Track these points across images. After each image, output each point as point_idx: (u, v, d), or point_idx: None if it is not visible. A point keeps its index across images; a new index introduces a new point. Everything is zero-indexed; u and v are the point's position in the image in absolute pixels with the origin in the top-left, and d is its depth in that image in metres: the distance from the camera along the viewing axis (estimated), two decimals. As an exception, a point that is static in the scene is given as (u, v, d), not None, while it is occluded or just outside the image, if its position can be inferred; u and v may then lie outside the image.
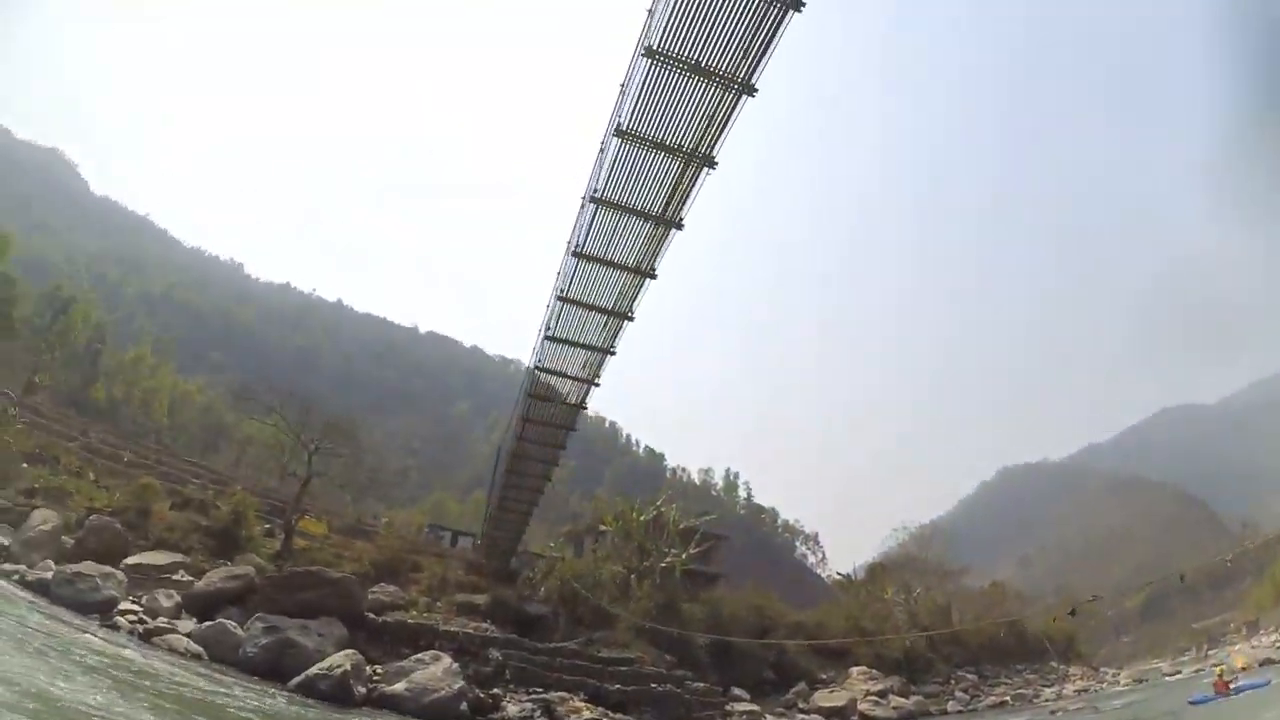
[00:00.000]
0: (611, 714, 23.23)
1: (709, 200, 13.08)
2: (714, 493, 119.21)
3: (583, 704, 22.97)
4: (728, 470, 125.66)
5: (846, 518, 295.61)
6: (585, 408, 20.90)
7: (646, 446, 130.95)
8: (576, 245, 14.38)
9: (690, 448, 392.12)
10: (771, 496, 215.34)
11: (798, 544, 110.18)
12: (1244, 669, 22.63)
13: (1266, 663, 24.18)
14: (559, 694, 23.12)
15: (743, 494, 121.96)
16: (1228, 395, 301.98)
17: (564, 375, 18.74)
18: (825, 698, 31.66)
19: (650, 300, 15.35)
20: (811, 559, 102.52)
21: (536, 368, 18.93)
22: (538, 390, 20.49)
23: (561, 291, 15.65)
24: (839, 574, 77.40)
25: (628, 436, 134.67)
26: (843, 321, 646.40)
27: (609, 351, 17.17)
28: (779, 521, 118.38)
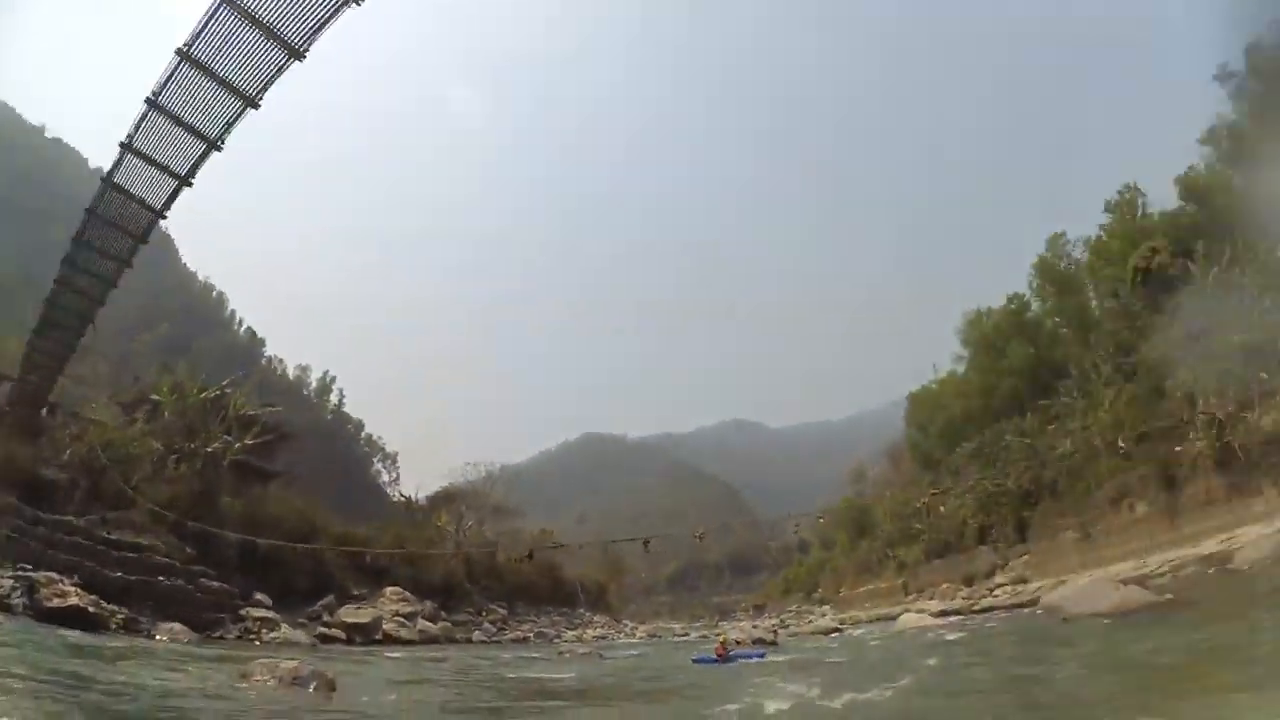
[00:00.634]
0: (105, 604, 20.36)
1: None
2: (306, 392, 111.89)
3: (73, 588, 19.76)
4: (325, 373, 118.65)
5: (434, 449, 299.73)
6: (164, 216, 18.07)
7: (248, 327, 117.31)
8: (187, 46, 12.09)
9: (305, 346, 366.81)
10: (367, 412, 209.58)
11: (376, 460, 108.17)
12: (739, 643, 26.51)
13: (759, 641, 29.58)
14: (48, 574, 19.78)
15: (334, 399, 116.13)
16: (789, 425, 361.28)
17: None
18: (351, 613, 31.25)
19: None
20: (386, 477, 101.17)
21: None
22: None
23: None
24: (402, 495, 77.88)
25: (233, 312, 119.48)
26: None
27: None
28: (363, 434, 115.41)
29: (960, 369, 63.87)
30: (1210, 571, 21.41)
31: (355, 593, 35.51)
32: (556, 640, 46.71)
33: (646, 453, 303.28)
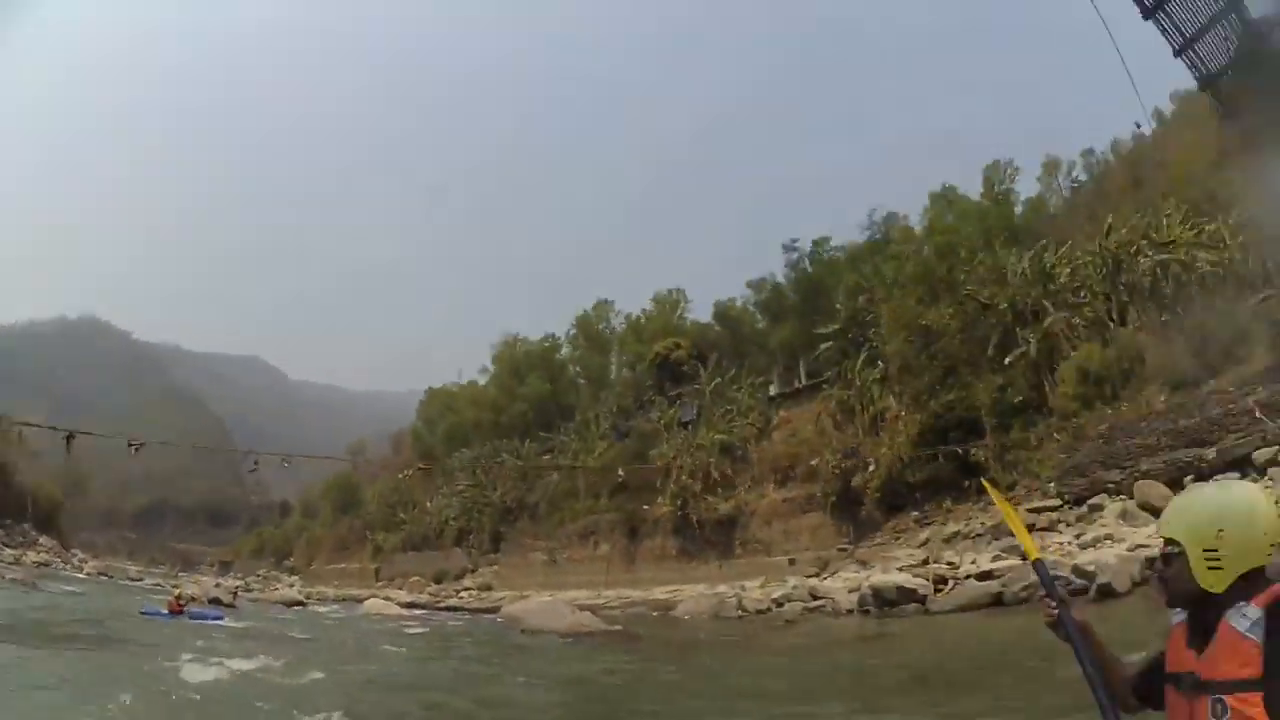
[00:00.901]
0: None
1: None
2: None
3: None
4: None
5: None
6: None
7: None
8: None
9: None
10: None
11: None
12: (195, 599, 23.90)
13: (216, 601, 26.94)
14: None
15: None
16: (309, 380, 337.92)
17: None
18: None
19: None
20: None
21: None
22: None
23: None
24: None
25: None
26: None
27: None
28: None
29: (482, 381, 67.50)
30: (654, 614, 25.77)
31: None
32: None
33: (149, 360, 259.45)
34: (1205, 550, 1.69)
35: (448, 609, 36.98)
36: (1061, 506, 20.35)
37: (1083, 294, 26.59)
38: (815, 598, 22.14)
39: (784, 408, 38.20)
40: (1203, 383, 18.94)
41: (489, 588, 41.95)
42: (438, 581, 47.45)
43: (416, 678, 12.46)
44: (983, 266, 29.17)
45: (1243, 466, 16.41)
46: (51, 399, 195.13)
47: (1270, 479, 14.95)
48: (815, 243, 46.36)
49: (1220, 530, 1.67)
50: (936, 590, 17.96)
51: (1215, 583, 1.68)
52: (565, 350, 62.71)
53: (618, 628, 19.32)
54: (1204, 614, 1.71)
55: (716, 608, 23.68)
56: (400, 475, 44.98)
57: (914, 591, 18.30)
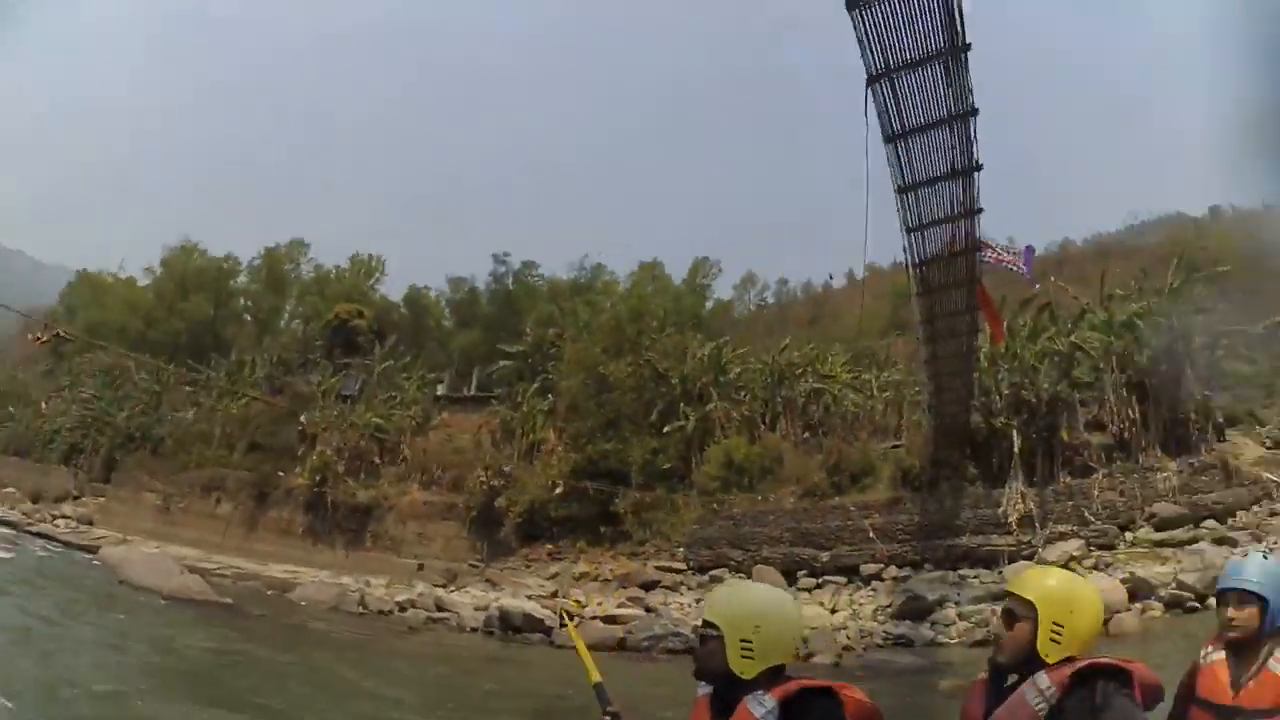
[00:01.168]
0: None
1: None
2: None
3: None
4: None
5: None
6: None
7: None
8: None
9: None
10: None
11: None
12: None
13: None
14: None
15: None
16: None
17: None
18: None
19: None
20: None
21: None
22: None
23: None
24: None
25: None
26: None
27: None
28: None
29: (144, 282, 56.20)
30: (270, 592, 22.89)
31: None
32: None
33: None
34: (742, 640, 1.91)
35: (39, 534, 30.57)
36: (686, 571, 22.57)
37: (744, 394, 30.10)
38: (441, 609, 21.55)
39: (448, 410, 37.46)
40: (829, 497, 22.55)
41: (90, 522, 34.56)
42: (34, 500, 37.99)
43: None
44: (669, 340, 31.89)
45: (850, 574, 20.09)
46: None
47: (873, 589, 18.48)
48: (524, 264, 47.18)
49: (758, 626, 1.90)
50: (561, 624, 18.62)
51: (745, 670, 1.91)
52: (242, 279, 55.22)
53: (228, 600, 16.88)
54: (728, 693, 1.94)
55: (338, 599, 21.86)
56: (35, 337, 33.93)
57: (541, 621, 18.74)
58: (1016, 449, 21.47)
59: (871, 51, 10.38)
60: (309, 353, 42.87)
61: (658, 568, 22.89)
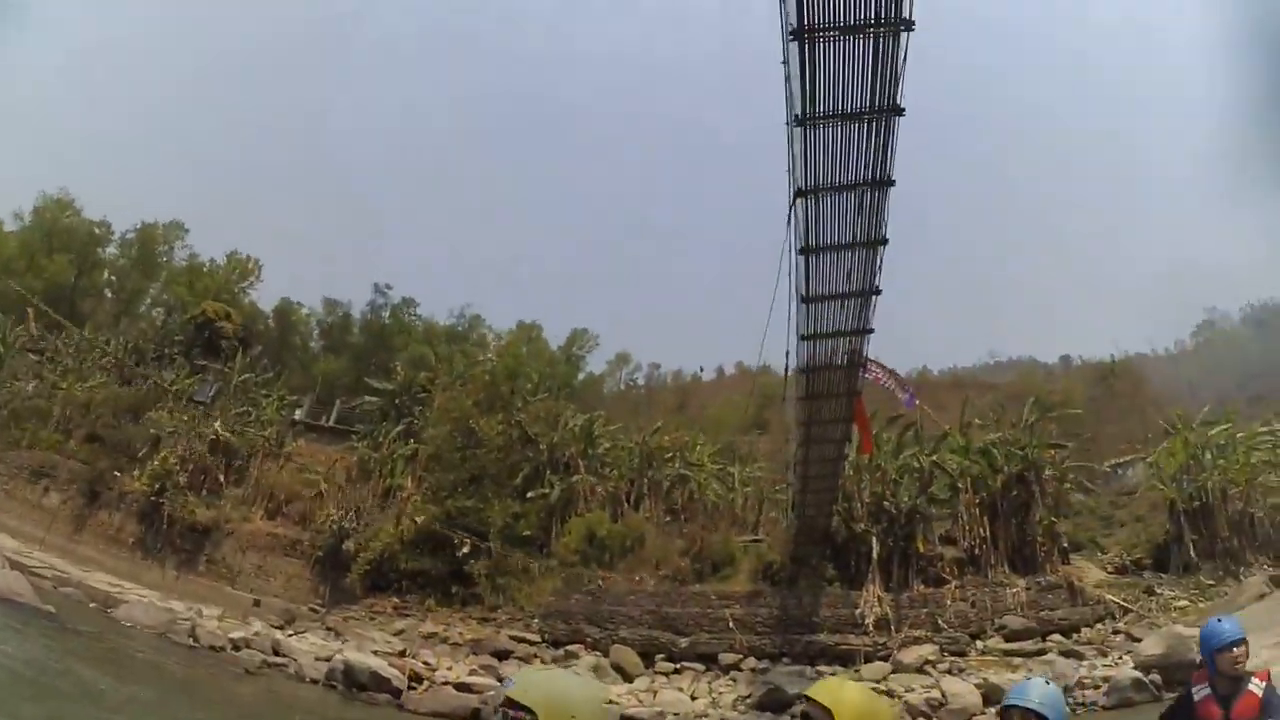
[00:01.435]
0: None
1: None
2: None
3: None
4: None
5: None
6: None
7: None
8: None
9: None
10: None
11: None
12: None
13: None
14: None
15: None
16: None
17: None
18: None
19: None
20: None
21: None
22: None
23: None
24: None
25: None
26: None
27: None
28: None
29: (10, 227, 49.39)
30: (91, 605, 20.17)
31: None
32: None
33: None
34: None
35: None
36: (541, 643, 21.85)
37: (611, 470, 30.00)
38: (278, 653, 19.70)
39: (304, 438, 35.40)
40: (690, 583, 22.64)
41: None
42: None
43: None
44: (541, 405, 31.63)
45: (708, 661, 20.08)
46: None
47: (732, 678, 18.57)
48: (404, 299, 45.93)
49: (573, 715, 1.90)
50: (411, 687, 17.48)
51: None
52: (112, 250, 50.81)
53: (50, 608, 14.60)
54: None
55: (167, 625, 19.54)
56: None
57: (389, 681, 17.48)
58: (875, 554, 22.47)
59: (804, 170, 11.04)
60: (166, 346, 39.51)
61: (511, 636, 22.09)
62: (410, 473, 29.90)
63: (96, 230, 49.66)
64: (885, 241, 12.32)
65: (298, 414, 36.83)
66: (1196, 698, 3.67)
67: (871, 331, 14.98)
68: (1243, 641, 3.58)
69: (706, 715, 17.38)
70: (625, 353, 58.85)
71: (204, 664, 17.25)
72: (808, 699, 2.21)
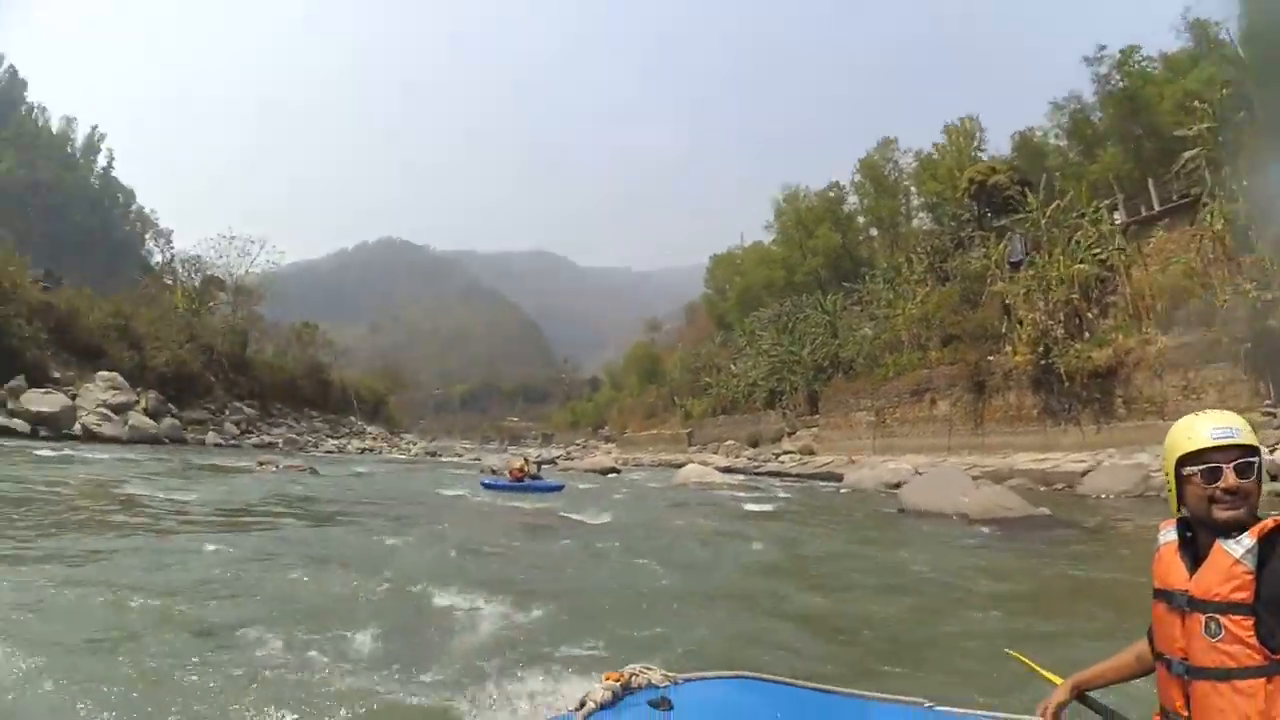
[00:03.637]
0: None
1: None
2: (70, 149, 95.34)
3: None
4: (94, 129, 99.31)
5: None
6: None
7: (10, 65, 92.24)
8: None
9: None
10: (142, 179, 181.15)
11: (148, 238, 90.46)
12: (528, 467, 22.19)
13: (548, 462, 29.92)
14: None
15: (102, 162, 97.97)
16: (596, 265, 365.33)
17: None
18: (37, 399, 24.77)
19: None
20: (159, 258, 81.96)
21: None
22: None
23: None
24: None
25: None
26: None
27: None
28: (132, 207, 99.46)
29: (767, 240, 64.24)
30: (1042, 489, 20.05)
31: (55, 375, 28.40)
32: (312, 448, 42.42)
33: (448, 267, 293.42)
34: None
35: (770, 473, 34.22)
36: None
37: None
38: (1274, 477, 15.39)
39: (1139, 239, 29.60)
40: None
41: (810, 451, 39.09)
42: (753, 445, 45.87)
43: (830, 569, 9.06)
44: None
45: None
46: (366, 310, 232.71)
47: None
48: (1123, 52, 34.83)
49: None
50: None
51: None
52: (851, 200, 56.97)
53: (1044, 510, 13.30)
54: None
55: (1139, 484, 18.02)
56: None
57: None
58: None
59: None
60: (960, 230, 39.50)
61: None
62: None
63: (831, 194, 57.59)
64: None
65: (1117, 217, 31.31)
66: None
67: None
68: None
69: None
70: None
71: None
72: None
